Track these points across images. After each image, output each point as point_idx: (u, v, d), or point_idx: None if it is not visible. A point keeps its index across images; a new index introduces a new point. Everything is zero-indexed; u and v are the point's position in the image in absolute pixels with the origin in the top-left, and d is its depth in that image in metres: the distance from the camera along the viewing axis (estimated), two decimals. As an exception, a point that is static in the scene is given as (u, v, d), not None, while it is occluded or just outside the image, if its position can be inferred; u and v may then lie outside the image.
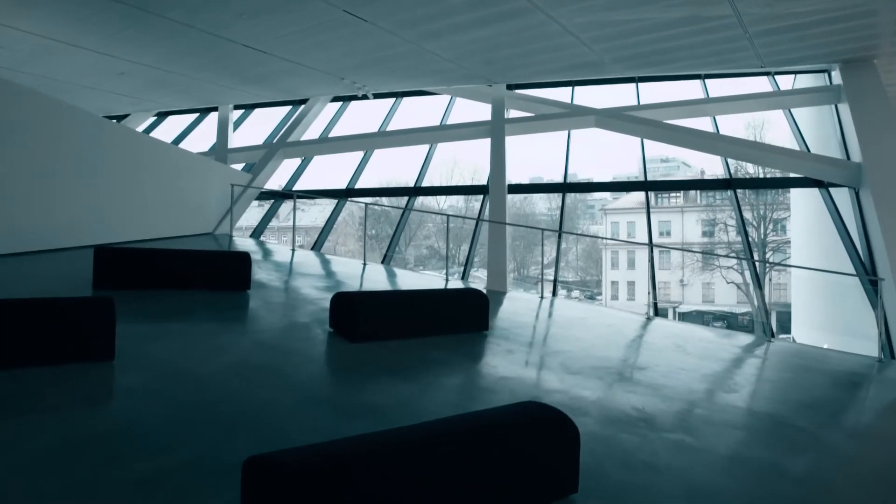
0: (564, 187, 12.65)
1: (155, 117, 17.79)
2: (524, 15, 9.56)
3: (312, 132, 15.24)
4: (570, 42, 10.89)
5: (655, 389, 5.79)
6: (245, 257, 8.19)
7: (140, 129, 17.35)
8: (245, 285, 8.18)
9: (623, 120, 12.65)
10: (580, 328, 8.36)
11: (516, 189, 12.68)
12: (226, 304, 7.51)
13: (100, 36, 10.99)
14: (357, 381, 5.48)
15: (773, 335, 8.64)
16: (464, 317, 7.31)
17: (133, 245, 10.06)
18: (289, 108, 15.95)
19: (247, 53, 11.77)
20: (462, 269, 12.06)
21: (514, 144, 13.04)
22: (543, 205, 37.31)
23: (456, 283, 10.83)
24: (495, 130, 12.92)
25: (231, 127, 15.41)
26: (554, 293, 11.03)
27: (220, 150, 14.84)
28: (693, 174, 28.68)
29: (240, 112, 16.81)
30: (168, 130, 17.50)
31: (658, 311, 10.21)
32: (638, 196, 33.58)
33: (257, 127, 15.45)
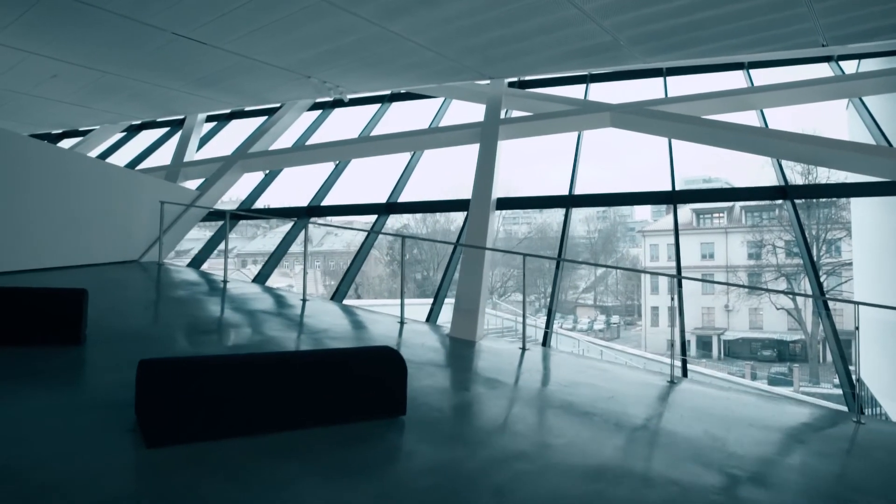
0: (569, 201, 9.52)
1: (125, 132, 15.52)
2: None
3: (285, 144, 12.63)
4: (574, 16, 7.95)
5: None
6: (77, 298, 5.46)
7: (105, 144, 15.11)
8: (74, 338, 5.44)
9: (646, 116, 9.54)
10: (563, 407, 5.31)
11: (505, 204, 9.63)
12: (4, 373, 4.75)
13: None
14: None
15: (861, 411, 5.39)
16: (367, 394, 4.37)
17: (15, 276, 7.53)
18: (265, 118, 13.35)
19: (184, 46, 9.24)
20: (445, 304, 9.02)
21: (537, 166, 10.15)
22: (582, 227, 34.45)
23: (421, 329, 7.80)
24: (486, 133, 9.97)
25: (195, 140, 12.92)
26: (545, 342, 7.87)
27: (174, 165, 12.31)
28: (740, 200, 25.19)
29: (212, 124, 14.38)
30: (139, 146, 15.15)
31: (687, 370, 6.95)
32: (679, 216, 30.31)
33: (232, 140, 12.84)
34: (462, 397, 5.28)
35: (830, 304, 7.98)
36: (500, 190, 9.38)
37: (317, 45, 9.35)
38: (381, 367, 4.45)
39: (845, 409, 6.26)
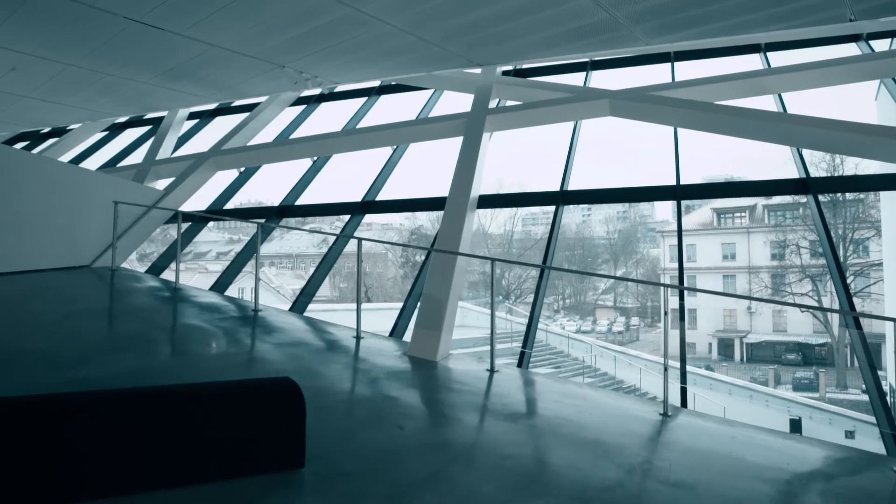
0: (559, 197, 8.34)
1: (106, 132, 14.71)
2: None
3: (265, 141, 11.63)
4: (564, -11, 6.90)
5: None
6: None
7: (86, 143, 14.32)
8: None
9: (649, 103, 8.34)
10: (518, 453, 4.18)
11: (486, 202, 8.47)
12: None
13: None
14: None
15: (904, 456, 4.18)
16: (250, 441, 3.32)
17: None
18: (248, 114, 12.39)
19: (141, 32, 8.38)
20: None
21: (552, 162, 8.81)
22: (601, 228, 33.19)
23: (377, 346, 6.64)
24: (472, 124, 8.87)
25: (172, 138, 12.03)
26: (521, 362, 6.64)
27: (145, 164, 11.42)
28: (757, 196, 23.80)
29: (194, 122, 13.49)
30: (120, 145, 14.31)
31: (685, 399, 5.76)
32: (700, 216, 28.84)
33: (215, 139, 11.89)
34: (389, 442, 4.08)
35: (859, 305, 6.73)
36: (513, 186, 8.27)
37: (285, 30, 8.44)
38: (271, 405, 3.38)
39: (881, 449, 5.05)
